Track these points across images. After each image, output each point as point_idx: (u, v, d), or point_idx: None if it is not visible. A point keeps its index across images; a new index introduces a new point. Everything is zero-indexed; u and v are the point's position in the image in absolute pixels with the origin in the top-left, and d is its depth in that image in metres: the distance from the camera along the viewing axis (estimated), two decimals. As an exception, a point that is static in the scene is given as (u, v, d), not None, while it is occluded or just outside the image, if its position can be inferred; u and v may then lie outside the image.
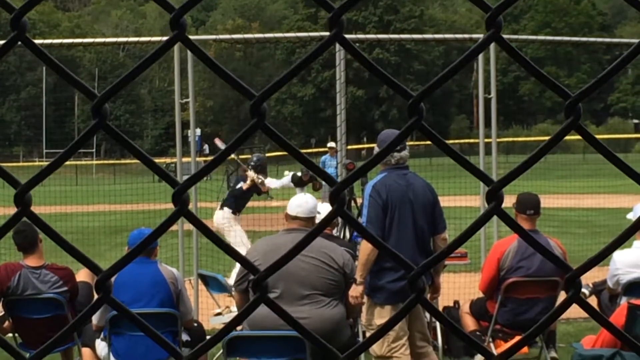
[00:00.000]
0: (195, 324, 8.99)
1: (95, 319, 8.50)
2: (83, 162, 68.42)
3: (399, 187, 8.56)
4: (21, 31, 1.26)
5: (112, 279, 1.31)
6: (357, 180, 1.35)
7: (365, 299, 8.56)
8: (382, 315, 8.64)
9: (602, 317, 1.32)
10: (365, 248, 8.22)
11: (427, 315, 11.31)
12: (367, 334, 9.18)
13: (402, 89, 1.27)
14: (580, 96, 1.26)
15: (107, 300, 1.28)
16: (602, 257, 1.27)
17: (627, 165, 1.26)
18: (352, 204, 11.56)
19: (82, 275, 10.01)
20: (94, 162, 72.53)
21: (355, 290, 8.34)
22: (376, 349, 8.82)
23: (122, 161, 71.87)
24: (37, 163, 74.96)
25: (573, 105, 1.26)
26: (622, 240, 1.27)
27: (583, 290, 8.77)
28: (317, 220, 10.10)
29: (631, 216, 9.15)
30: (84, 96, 1.39)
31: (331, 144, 30.29)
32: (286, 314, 1.29)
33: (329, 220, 1.31)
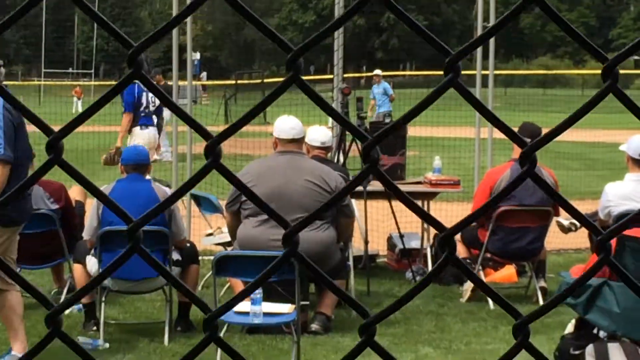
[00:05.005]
0: (188, 244, 8.98)
1: (87, 234, 8.49)
2: (82, 83, 68.10)
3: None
4: None
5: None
6: (388, 136, 1.33)
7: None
8: None
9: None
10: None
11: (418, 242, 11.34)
12: None
13: (440, 45, 1.28)
14: (615, 62, 1.29)
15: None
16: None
17: None
18: (341, 146, 11.38)
19: (76, 192, 9.99)
20: (93, 82, 72.18)
21: None
22: None
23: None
24: (35, 82, 74.54)
25: (610, 69, 1.28)
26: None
27: (574, 222, 8.81)
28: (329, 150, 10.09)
29: (624, 148, 9.11)
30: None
31: (377, 71, 30.97)
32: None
33: (353, 185, 1.31)
